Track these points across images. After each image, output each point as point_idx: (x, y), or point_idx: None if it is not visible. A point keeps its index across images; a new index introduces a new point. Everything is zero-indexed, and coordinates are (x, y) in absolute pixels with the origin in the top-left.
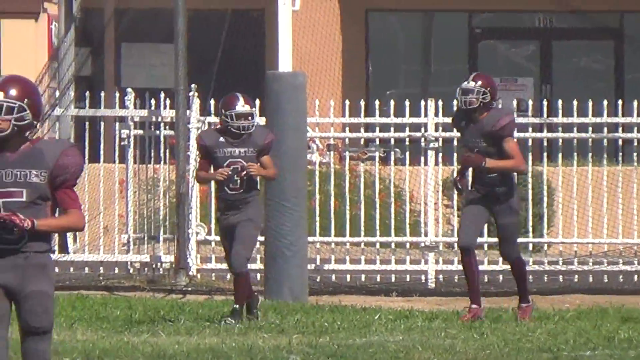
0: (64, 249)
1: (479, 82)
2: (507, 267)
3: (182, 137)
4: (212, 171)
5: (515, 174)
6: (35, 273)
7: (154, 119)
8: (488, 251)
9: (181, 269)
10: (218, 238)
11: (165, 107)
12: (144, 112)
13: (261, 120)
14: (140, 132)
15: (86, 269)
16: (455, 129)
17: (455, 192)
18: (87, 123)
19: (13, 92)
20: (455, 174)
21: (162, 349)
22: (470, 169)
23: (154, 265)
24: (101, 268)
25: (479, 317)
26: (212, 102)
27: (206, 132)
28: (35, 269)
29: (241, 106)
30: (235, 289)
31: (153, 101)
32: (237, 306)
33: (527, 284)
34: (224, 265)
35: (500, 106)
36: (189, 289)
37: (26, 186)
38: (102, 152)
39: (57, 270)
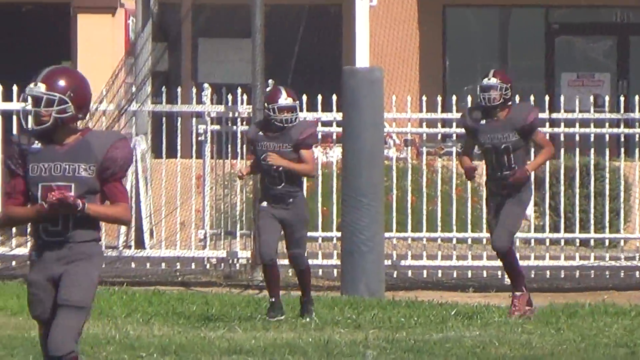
0: (140, 244)
1: (500, 79)
2: (584, 262)
3: None
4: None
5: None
6: (79, 260)
7: (230, 114)
8: (552, 246)
9: (257, 264)
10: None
11: (242, 103)
12: (221, 108)
13: (332, 115)
14: (217, 127)
15: (163, 264)
16: (465, 127)
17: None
18: (164, 118)
19: (55, 84)
20: (465, 167)
21: (239, 344)
22: (485, 166)
23: (230, 261)
24: (178, 264)
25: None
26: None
27: (252, 125)
28: (80, 257)
29: (284, 99)
30: (302, 283)
31: (230, 97)
32: (306, 298)
33: (519, 272)
34: None
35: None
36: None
37: (74, 180)
38: (179, 147)
39: (133, 265)
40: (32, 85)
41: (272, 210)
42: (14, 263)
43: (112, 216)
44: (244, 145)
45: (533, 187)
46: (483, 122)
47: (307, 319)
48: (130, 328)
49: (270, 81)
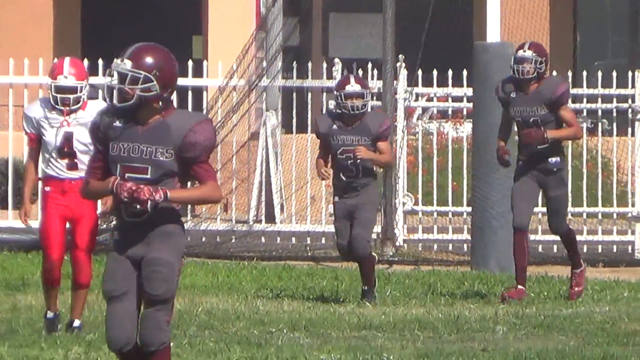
0: (271, 219)
1: (535, 51)
2: None
3: (389, 108)
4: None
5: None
6: (160, 241)
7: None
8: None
9: (388, 239)
10: (425, 208)
11: (372, 78)
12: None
13: (462, 91)
14: None
15: (293, 239)
16: (499, 100)
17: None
18: (294, 94)
19: (142, 62)
20: (498, 148)
21: (369, 320)
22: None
23: None
24: (308, 238)
25: (519, 300)
26: (420, 73)
27: (322, 118)
28: (161, 237)
29: (351, 86)
30: (362, 271)
31: (360, 72)
32: (367, 287)
33: (577, 249)
34: (431, 236)
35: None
36: (396, 259)
37: (151, 163)
38: (309, 122)
39: (263, 240)
40: (118, 61)
41: (344, 204)
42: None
43: (198, 197)
44: None
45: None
46: (514, 94)
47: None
48: (259, 303)
49: (400, 56)
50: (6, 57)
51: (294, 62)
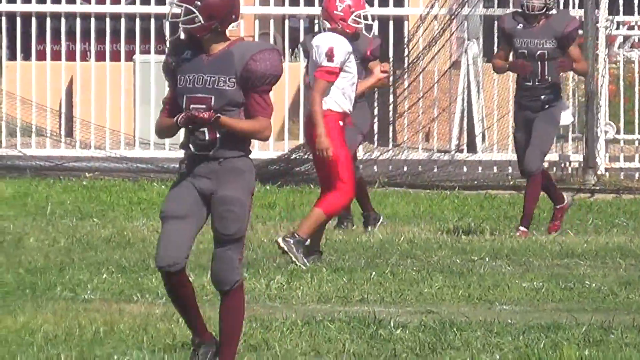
0: (473, 148)
1: None
2: None
3: (590, 36)
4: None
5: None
6: (229, 178)
7: None
8: None
9: (590, 167)
10: (627, 137)
11: (573, 7)
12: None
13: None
14: None
15: (494, 168)
16: (503, 32)
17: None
18: (495, 22)
19: None
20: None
21: (570, 248)
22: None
23: (562, 164)
24: (510, 167)
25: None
26: (621, 0)
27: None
28: (230, 173)
29: None
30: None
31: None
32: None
33: (555, 185)
34: (633, 164)
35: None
36: (597, 187)
37: (214, 93)
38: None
39: (465, 169)
40: None
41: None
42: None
43: (247, 130)
44: None
45: (567, 101)
46: (520, 26)
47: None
48: (461, 232)
49: None
50: None
51: None
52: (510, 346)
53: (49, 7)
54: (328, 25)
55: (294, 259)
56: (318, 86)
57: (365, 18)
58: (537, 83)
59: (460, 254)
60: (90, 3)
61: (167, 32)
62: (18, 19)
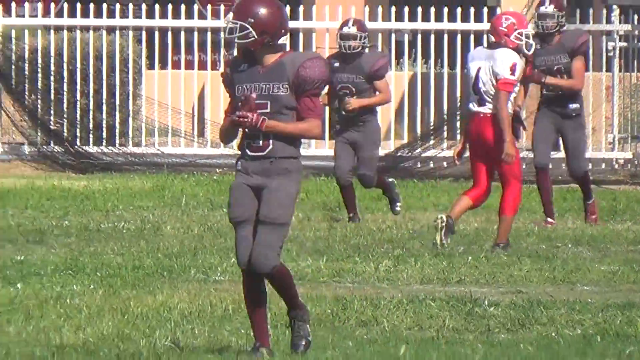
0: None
1: (555, 6)
2: None
3: None
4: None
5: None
6: (279, 175)
7: (637, 32)
8: None
9: None
10: None
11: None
12: (628, 27)
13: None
14: (624, 44)
15: None
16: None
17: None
18: None
19: (237, 12)
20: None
21: None
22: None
23: (636, 162)
24: (590, 164)
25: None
26: None
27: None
28: (280, 172)
29: (347, 28)
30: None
31: (636, 17)
32: None
33: (590, 187)
34: None
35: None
36: None
37: (270, 98)
38: (590, 62)
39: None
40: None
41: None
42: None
43: (294, 131)
44: None
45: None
46: (539, 46)
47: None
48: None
49: None
50: None
51: (577, 10)
52: (590, 322)
53: (183, 23)
54: (492, 39)
55: (504, 253)
56: (503, 97)
57: (527, 37)
58: (559, 93)
59: (546, 241)
60: (206, 18)
61: (222, 47)
62: (156, 33)
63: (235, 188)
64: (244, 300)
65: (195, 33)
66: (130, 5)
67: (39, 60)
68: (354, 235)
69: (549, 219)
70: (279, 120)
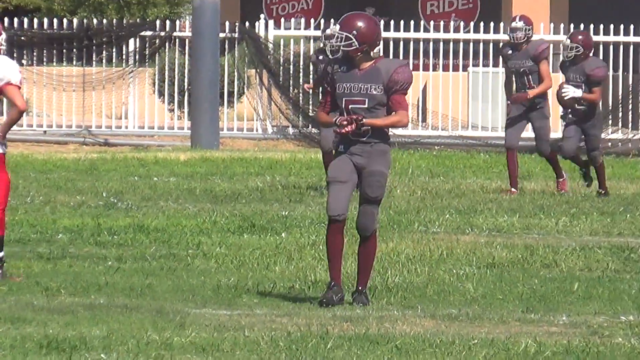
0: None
1: (525, 22)
2: None
3: None
4: None
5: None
6: (377, 157)
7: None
8: None
9: None
10: None
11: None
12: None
13: None
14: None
15: None
16: (501, 57)
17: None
18: None
19: (344, 25)
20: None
21: None
22: (514, 86)
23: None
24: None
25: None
26: None
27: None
28: (378, 153)
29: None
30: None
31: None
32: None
33: (558, 164)
34: None
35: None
36: None
37: (367, 96)
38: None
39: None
40: (333, 25)
41: None
42: None
43: (387, 124)
44: None
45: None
46: (511, 52)
47: None
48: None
49: None
50: None
51: None
52: None
53: (412, 35)
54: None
55: None
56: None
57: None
58: (526, 90)
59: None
60: (429, 31)
61: (328, 52)
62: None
63: (338, 158)
64: (326, 246)
65: (413, 42)
66: None
67: (301, 63)
68: (539, 198)
69: (512, 189)
70: (373, 113)
